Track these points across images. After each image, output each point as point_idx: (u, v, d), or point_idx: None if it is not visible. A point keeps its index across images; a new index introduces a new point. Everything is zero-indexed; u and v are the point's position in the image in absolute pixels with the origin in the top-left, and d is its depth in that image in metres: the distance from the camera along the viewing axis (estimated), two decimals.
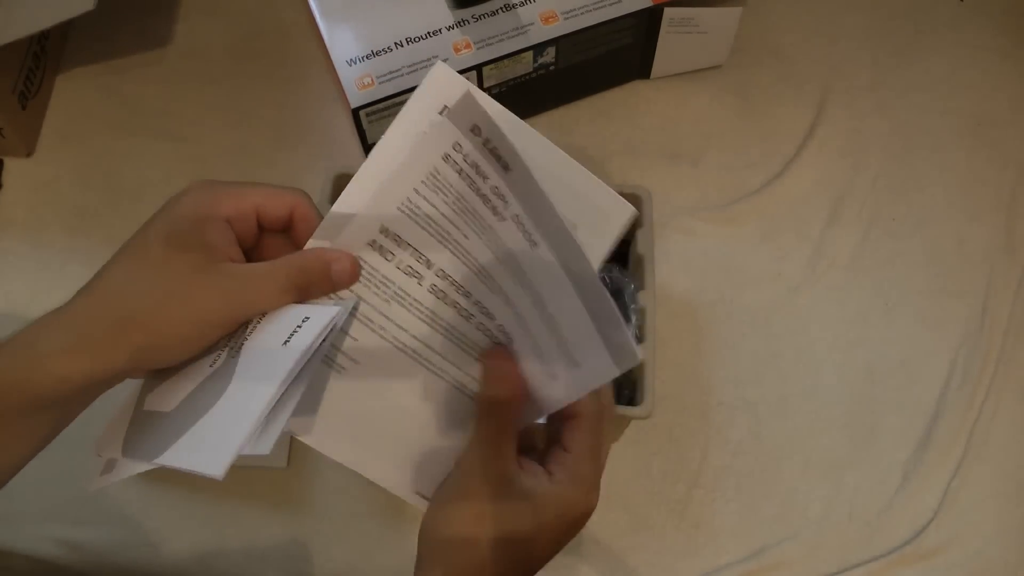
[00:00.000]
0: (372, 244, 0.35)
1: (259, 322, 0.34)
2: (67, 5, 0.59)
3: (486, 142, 0.32)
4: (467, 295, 0.36)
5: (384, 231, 0.35)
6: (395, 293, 0.36)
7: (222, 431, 0.31)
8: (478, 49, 0.61)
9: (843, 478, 0.57)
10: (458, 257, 0.35)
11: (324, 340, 0.32)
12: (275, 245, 0.36)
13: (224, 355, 0.33)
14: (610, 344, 0.30)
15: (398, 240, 0.35)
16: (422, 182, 0.34)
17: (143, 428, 0.34)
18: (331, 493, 0.56)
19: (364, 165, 0.34)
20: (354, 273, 0.35)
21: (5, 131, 0.66)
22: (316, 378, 0.35)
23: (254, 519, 0.55)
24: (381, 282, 0.36)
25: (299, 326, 0.32)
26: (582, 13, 0.62)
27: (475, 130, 0.32)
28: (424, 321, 0.36)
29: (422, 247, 0.35)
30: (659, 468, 0.57)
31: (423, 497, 0.36)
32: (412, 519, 0.53)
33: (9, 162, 0.68)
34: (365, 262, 0.35)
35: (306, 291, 0.34)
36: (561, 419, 0.35)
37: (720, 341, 0.61)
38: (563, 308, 0.32)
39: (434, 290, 0.36)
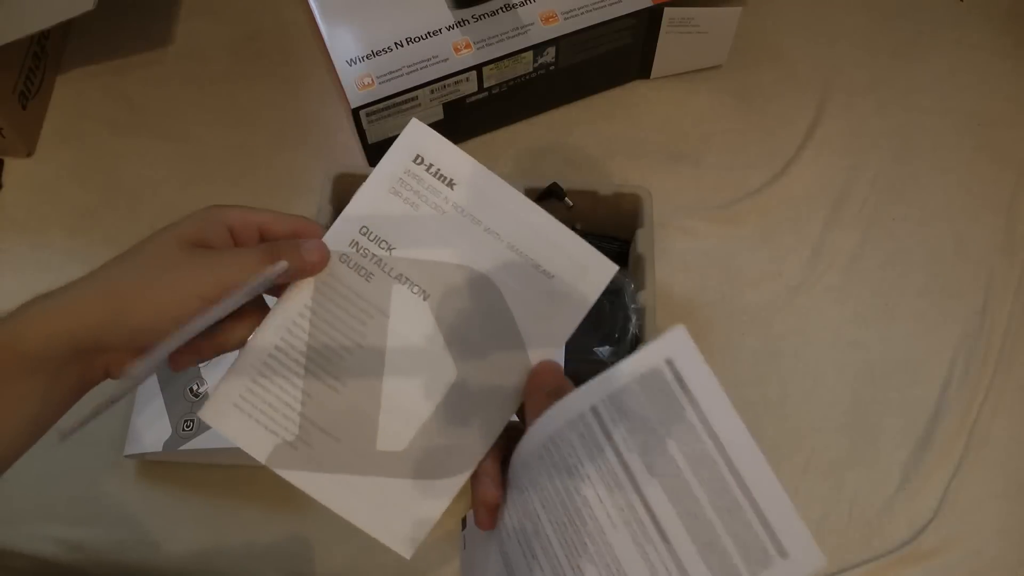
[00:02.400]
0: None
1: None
2: (67, 5, 0.59)
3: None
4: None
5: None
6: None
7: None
8: (478, 49, 0.61)
9: (843, 478, 0.57)
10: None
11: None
12: None
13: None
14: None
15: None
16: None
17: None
18: None
19: (351, 202, 0.37)
20: (322, 254, 0.36)
21: (5, 131, 0.66)
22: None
23: (254, 519, 0.55)
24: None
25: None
26: (582, 13, 0.62)
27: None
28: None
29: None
30: None
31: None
32: None
33: (9, 162, 0.68)
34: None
35: (277, 258, 0.35)
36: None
37: (720, 341, 0.61)
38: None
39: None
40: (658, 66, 0.70)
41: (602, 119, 0.70)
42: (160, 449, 0.52)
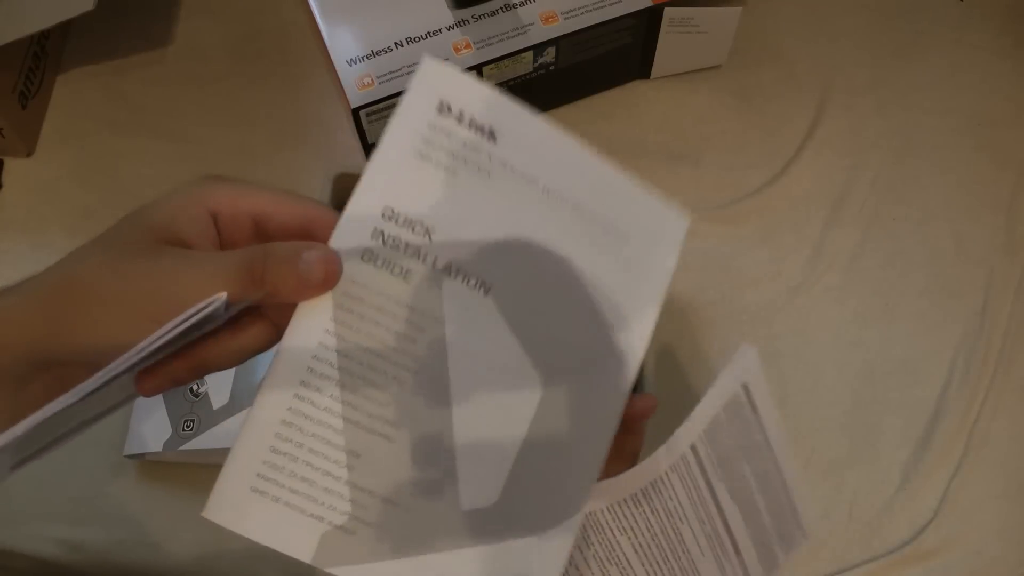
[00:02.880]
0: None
1: None
2: (67, 5, 0.59)
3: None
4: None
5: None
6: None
7: None
8: (478, 49, 0.61)
9: (843, 478, 0.57)
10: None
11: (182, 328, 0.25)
12: None
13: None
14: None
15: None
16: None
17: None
18: None
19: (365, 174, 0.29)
20: (329, 269, 0.26)
21: (5, 131, 0.66)
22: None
23: None
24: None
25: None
26: (582, 13, 0.62)
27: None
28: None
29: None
30: None
31: None
32: None
33: (9, 162, 0.68)
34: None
35: (261, 281, 0.26)
36: None
37: (720, 341, 0.61)
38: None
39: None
40: (658, 66, 0.70)
41: (602, 119, 0.69)
42: (160, 449, 0.52)
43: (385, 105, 0.60)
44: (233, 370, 0.53)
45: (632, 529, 0.31)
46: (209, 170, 0.66)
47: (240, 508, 0.26)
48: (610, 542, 0.31)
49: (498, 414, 0.28)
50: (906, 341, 0.62)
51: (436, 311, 0.27)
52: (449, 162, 0.28)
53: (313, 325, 0.27)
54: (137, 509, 0.55)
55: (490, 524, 0.27)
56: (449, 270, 0.28)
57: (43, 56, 0.70)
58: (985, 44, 0.74)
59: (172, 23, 0.75)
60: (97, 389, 0.25)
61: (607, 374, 0.29)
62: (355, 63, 0.61)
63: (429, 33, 0.62)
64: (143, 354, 0.25)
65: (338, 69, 0.61)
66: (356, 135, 0.63)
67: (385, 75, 0.60)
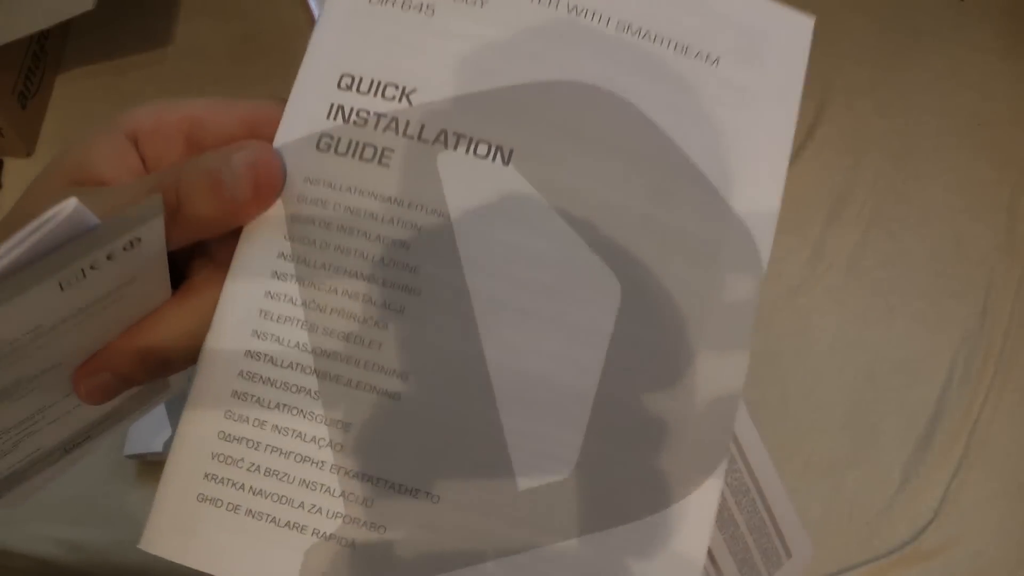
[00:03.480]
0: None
1: None
2: (67, 5, 0.59)
3: None
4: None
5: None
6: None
7: None
8: None
9: (843, 478, 0.57)
10: None
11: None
12: None
13: None
14: None
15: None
16: None
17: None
18: None
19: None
20: (263, 172, 0.20)
21: (5, 131, 0.66)
22: None
23: None
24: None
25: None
26: None
27: None
28: None
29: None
30: None
31: None
32: None
33: (9, 162, 0.68)
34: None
35: (175, 208, 0.19)
36: None
37: None
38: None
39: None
40: None
41: None
42: (160, 449, 0.52)
43: None
44: None
45: None
46: None
47: (182, 531, 0.18)
48: None
49: (554, 341, 0.18)
50: (906, 341, 0.61)
51: (435, 200, 0.19)
52: None
53: (263, 254, 0.19)
54: (137, 509, 0.55)
55: (556, 510, 0.18)
56: (444, 138, 0.19)
57: (43, 56, 0.70)
58: (985, 44, 0.73)
59: (172, 23, 0.75)
60: None
61: (725, 258, 0.19)
62: None
63: None
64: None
65: None
66: None
67: None
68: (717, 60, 0.20)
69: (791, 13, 0.21)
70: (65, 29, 0.74)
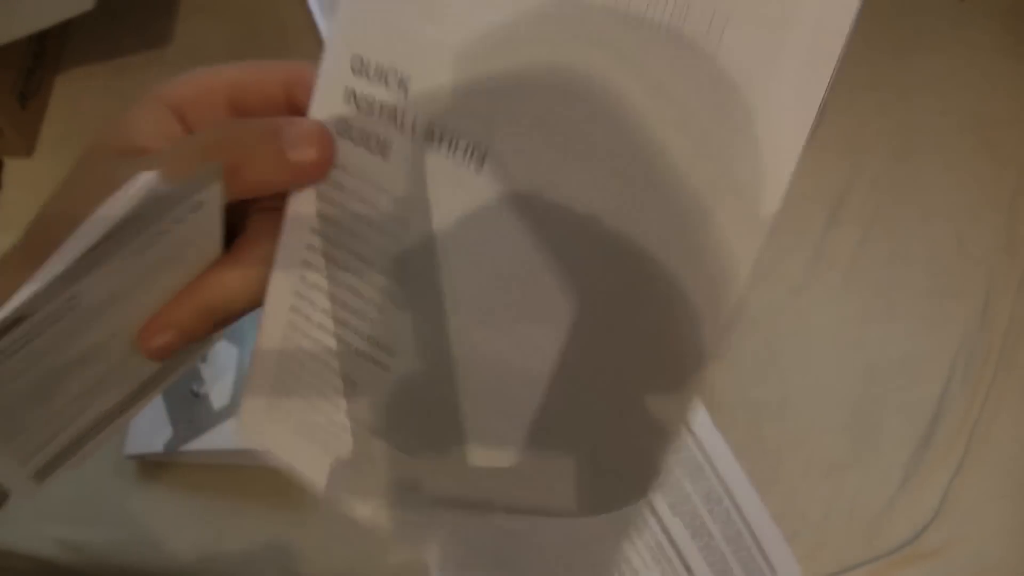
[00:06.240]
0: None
1: None
2: (66, 5, 0.59)
3: None
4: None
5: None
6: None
7: None
8: None
9: (843, 478, 0.57)
10: None
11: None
12: None
13: None
14: None
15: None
16: None
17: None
18: None
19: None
20: (324, 143, 0.20)
21: (5, 131, 0.66)
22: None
23: (254, 519, 0.55)
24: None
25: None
26: None
27: None
28: None
29: None
30: None
31: None
32: None
33: (9, 162, 0.68)
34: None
35: (235, 169, 0.20)
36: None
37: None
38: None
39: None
40: None
41: None
42: (160, 449, 0.52)
43: None
44: (234, 370, 0.53)
45: None
46: None
47: (263, 425, 0.23)
48: None
49: (513, 340, 0.19)
50: (907, 341, 0.61)
51: (419, 200, 0.19)
52: None
53: (301, 227, 0.20)
54: (137, 509, 0.55)
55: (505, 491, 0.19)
56: (431, 135, 0.19)
57: (43, 56, 0.70)
58: (985, 43, 0.73)
59: (172, 23, 0.75)
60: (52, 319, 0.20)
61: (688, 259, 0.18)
62: None
63: None
64: (72, 260, 0.19)
65: None
66: None
67: None
68: (724, 25, 0.16)
69: None
70: (65, 29, 0.74)
